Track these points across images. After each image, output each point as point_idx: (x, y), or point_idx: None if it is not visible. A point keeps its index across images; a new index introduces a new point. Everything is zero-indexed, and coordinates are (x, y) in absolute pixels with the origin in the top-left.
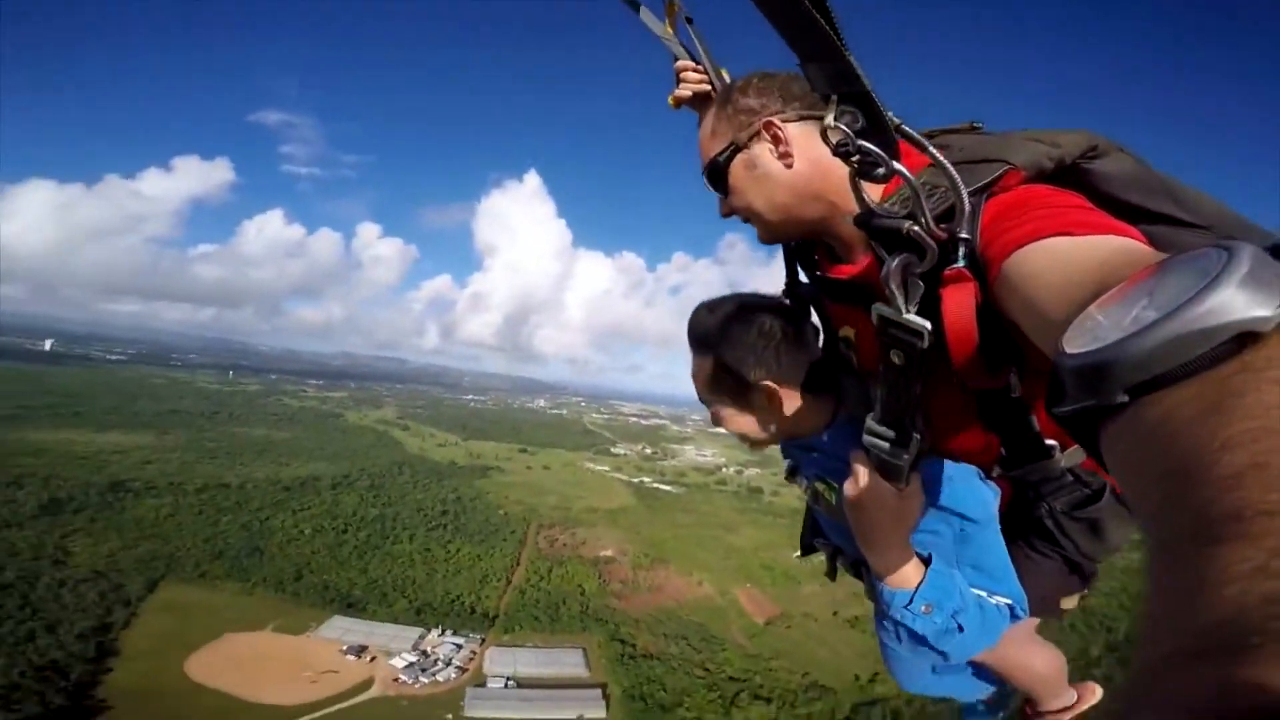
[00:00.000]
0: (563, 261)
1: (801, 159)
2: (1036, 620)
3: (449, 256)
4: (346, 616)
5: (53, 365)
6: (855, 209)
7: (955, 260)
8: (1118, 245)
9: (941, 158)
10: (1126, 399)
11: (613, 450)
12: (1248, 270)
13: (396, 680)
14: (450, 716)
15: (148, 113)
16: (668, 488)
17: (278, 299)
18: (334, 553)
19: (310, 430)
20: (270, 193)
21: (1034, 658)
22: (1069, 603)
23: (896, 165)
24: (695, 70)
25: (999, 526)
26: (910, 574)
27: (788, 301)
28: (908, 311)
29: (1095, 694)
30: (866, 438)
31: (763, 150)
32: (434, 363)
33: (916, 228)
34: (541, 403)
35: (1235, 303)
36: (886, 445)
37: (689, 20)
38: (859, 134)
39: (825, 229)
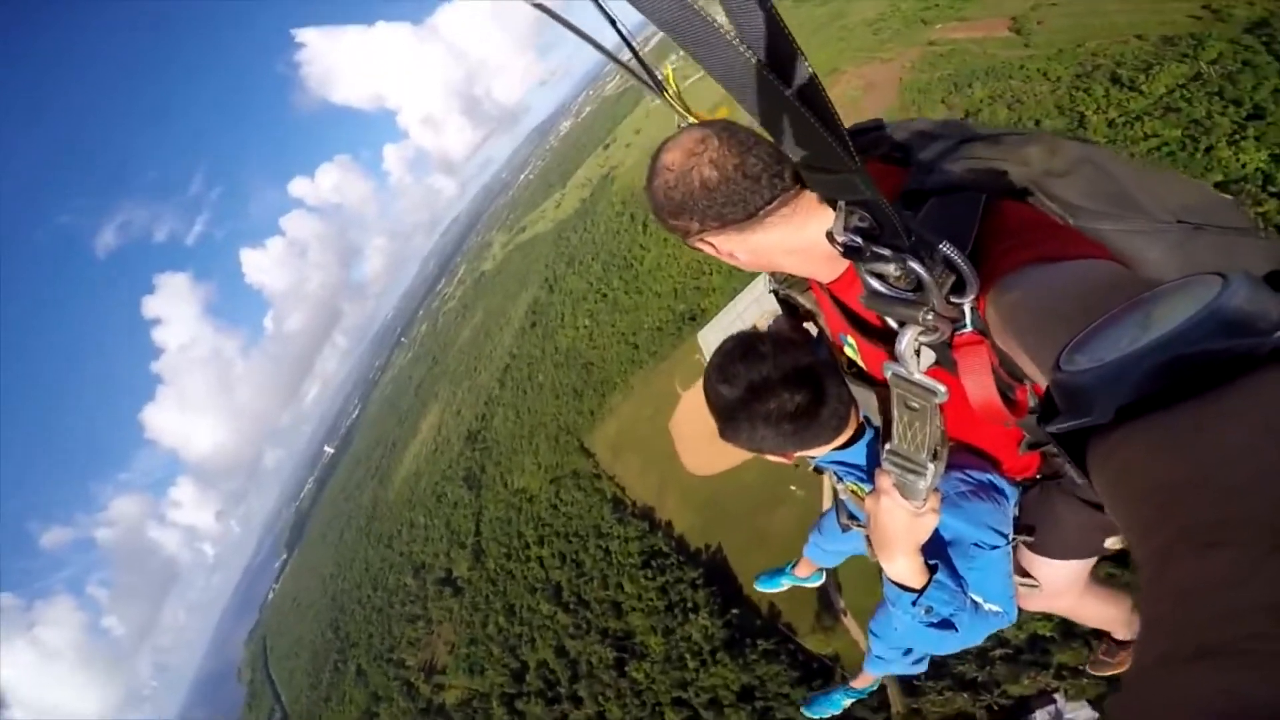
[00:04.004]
0: (428, 36)
1: (744, 253)
2: (1089, 565)
3: (362, 135)
4: (697, 327)
5: (345, 448)
6: (822, 272)
7: (964, 325)
8: (1097, 269)
9: (965, 267)
10: (1121, 417)
11: (661, 68)
12: (1243, 298)
13: None
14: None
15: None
16: None
17: (346, 281)
18: (620, 306)
19: (486, 298)
20: (218, 256)
21: (1089, 604)
22: (1113, 543)
23: (918, 269)
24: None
25: (1008, 548)
26: (915, 581)
27: (794, 320)
28: (920, 373)
29: None
30: (885, 462)
31: (711, 248)
32: (474, 194)
33: (930, 316)
34: (566, 124)
35: (1230, 329)
36: (905, 472)
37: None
38: (865, 234)
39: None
